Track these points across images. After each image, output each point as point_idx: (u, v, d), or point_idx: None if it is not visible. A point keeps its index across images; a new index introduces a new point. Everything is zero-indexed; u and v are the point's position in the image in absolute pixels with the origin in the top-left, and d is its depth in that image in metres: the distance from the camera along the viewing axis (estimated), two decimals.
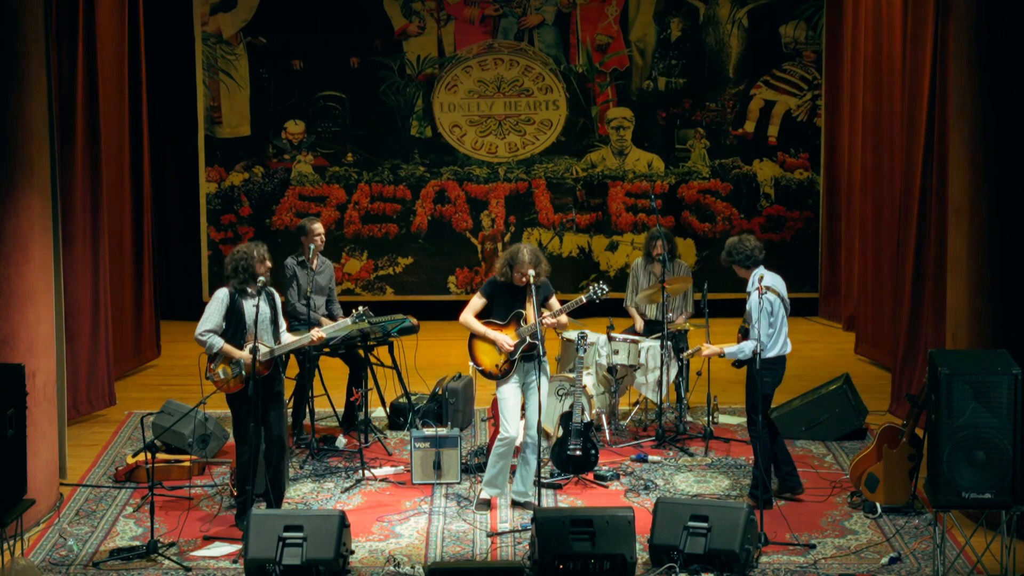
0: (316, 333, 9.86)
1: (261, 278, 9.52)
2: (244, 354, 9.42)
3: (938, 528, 8.86)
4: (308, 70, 15.55)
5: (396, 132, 15.69)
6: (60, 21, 11.58)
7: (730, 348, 9.88)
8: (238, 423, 9.55)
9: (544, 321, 9.77)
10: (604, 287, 9.94)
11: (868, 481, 9.98)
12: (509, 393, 9.89)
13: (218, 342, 9.47)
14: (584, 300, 9.91)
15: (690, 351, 10.68)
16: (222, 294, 9.56)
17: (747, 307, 9.90)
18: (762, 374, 9.72)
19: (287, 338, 9.72)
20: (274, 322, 9.65)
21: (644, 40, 15.64)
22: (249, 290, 9.53)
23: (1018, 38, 9.51)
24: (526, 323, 9.85)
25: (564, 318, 9.92)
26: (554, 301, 9.95)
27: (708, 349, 10.06)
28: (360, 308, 10.12)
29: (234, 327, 9.51)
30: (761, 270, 9.98)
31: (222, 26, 15.48)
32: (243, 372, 9.43)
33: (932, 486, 8.80)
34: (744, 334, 9.90)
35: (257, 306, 9.45)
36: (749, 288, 9.96)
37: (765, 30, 15.61)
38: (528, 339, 9.80)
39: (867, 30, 14.02)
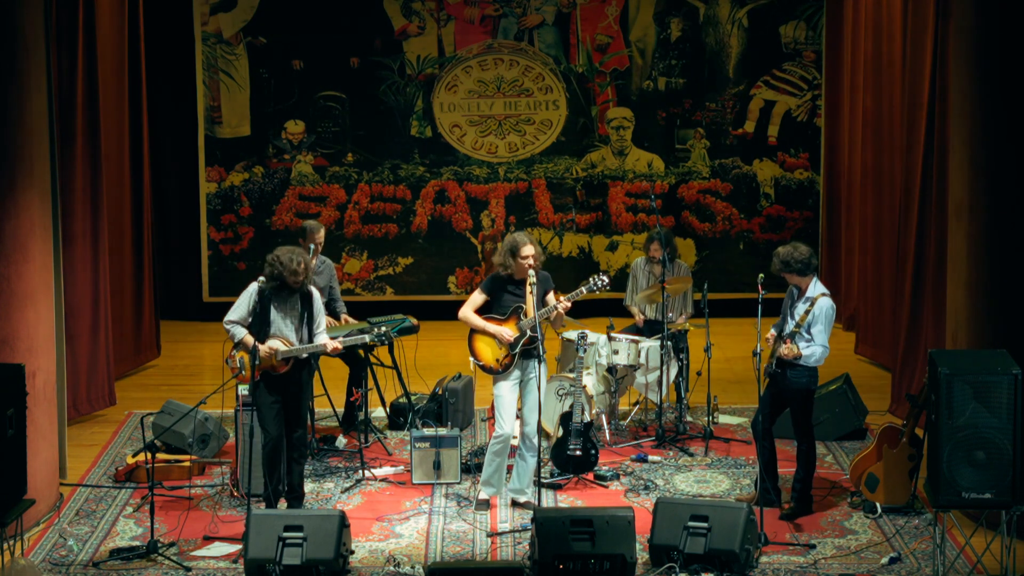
0: (331, 344, 9.76)
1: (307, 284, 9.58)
2: (263, 348, 9.43)
3: (938, 528, 8.86)
4: (308, 70, 15.54)
5: (396, 132, 15.69)
6: (60, 21, 11.58)
7: (805, 351, 9.55)
8: (259, 411, 9.53)
9: (557, 307, 9.76)
10: (604, 278, 9.92)
11: (868, 481, 9.98)
12: (505, 391, 9.89)
13: (240, 332, 9.50)
14: (584, 291, 9.91)
15: (774, 348, 9.75)
16: (252, 289, 9.59)
17: (799, 313, 9.60)
18: (802, 376, 9.62)
19: (321, 339, 9.66)
20: (307, 323, 9.62)
21: (644, 40, 15.64)
22: (283, 291, 9.53)
23: (1018, 38, 9.51)
24: (526, 317, 9.86)
25: (564, 305, 9.84)
26: (551, 297, 9.95)
27: (789, 349, 9.53)
28: (381, 327, 10.37)
29: (259, 322, 9.52)
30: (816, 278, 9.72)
31: (222, 26, 15.48)
32: (259, 363, 9.42)
33: (932, 486, 8.80)
34: (790, 338, 9.62)
35: (286, 304, 9.50)
36: (811, 294, 9.62)
37: (765, 30, 15.60)
38: (528, 332, 9.80)
39: (867, 30, 14.01)
